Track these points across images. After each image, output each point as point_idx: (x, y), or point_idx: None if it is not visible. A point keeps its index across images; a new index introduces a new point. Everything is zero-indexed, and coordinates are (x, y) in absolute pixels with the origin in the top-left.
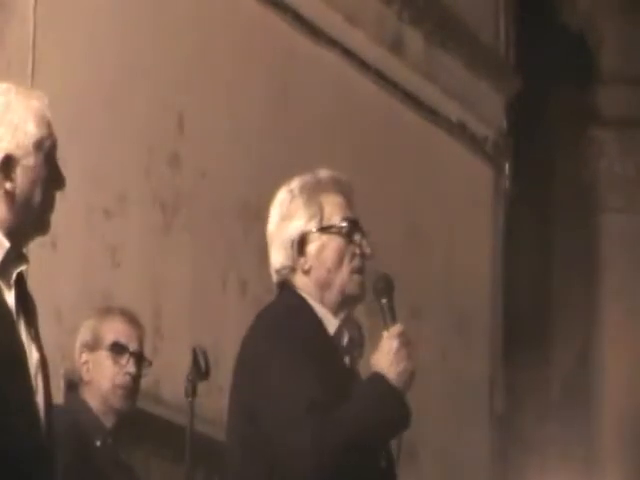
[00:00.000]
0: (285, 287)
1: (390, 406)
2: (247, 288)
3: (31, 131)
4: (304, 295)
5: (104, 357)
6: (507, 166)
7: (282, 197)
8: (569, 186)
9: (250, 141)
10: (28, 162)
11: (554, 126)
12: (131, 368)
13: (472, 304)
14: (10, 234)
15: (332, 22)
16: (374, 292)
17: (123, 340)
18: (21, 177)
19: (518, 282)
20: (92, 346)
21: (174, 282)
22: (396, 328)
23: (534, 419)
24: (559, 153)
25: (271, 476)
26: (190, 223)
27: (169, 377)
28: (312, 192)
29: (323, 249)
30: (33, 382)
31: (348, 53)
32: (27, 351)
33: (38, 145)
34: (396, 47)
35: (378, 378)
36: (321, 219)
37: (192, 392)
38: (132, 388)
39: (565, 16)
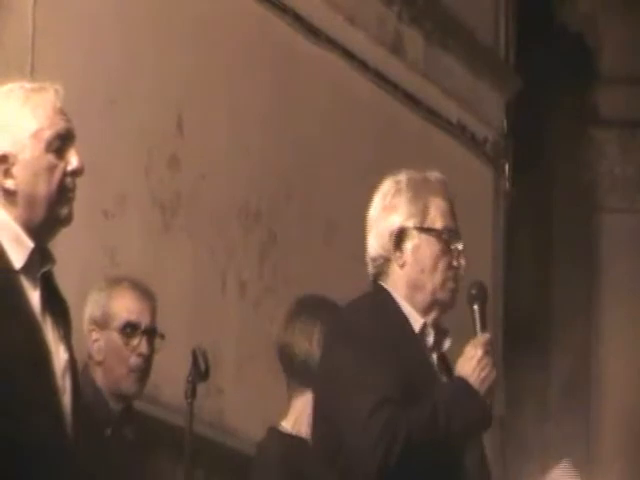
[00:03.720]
0: (375, 283)
1: (467, 408)
2: (247, 289)
3: (27, 124)
4: (392, 292)
5: (115, 338)
6: (507, 167)
7: (388, 187)
8: (569, 186)
9: (250, 142)
10: (25, 155)
11: (554, 126)
12: (144, 348)
13: None
14: (32, 232)
15: (332, 22)
16: (467, 298)
17: (134, 318)
18: (21, 172)
19: (518, 282)
20: (102, 324)
21: (173, 283)
22: (483, 336)
23: (534, 421)
24: (559, 153)
25: (341, 475)
26: (190, 224)
27: (168, 378)
28: (419, 190)
29: (419, 249)
30: (59, 382)
31: (348, 53)
32: (53, 351)
33: (36, 136)
34: (396, 48)
35: (458, 381)
36: (423, 219)
37: (192, 393)
38: (145, 369)
39: (565, 16)
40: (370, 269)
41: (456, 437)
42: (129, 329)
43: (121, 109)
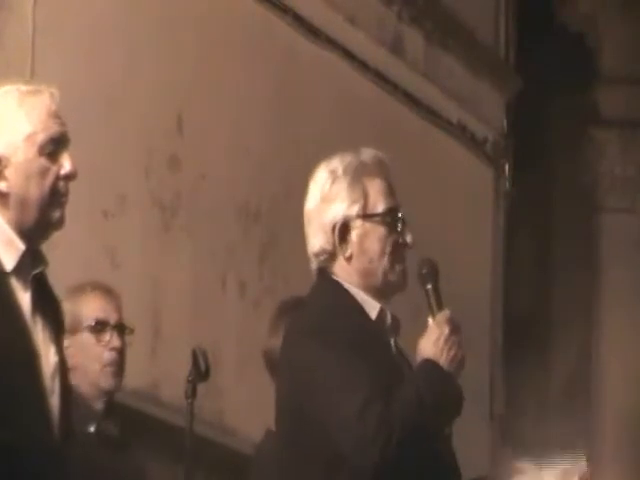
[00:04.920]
0: (323, 275)
1: (446, 393)
2: (246, 289)
3: (21, 127)
4: (342, 282)
5: (86, 338)
6: (507, 166)
7: (323, 176)
8: (569, 186)
9: (250, 142)
10: (18, 158)
11: (554, 126)
12: (116, 342)
13: (472, 304)
14: (24, 235)
15: (332, 22)
16: (418, 278)
17: (103, 316)
18: (14, 175)
19: (518, 282)
20: (72, 330)
21: (174, 283)
22: (444, 314)
23: (534, 420)
24: (559, 153)
25: (330, 474)
26: (189, 224)
27: (168, 378)
28: (355, 175)
29: (365, 238)
30: (47, 384)
31: (348, 53)
32: (43, 353)
33: (29, 140)
34: (396, 48)
35: (432, 365)
36: (365, 206)
37: (192, 393)
38: (120, 363)
39: (565, 16)
40: (314, 265)
41: (440, 423)
42: (99, 326)
43: (121, 109)
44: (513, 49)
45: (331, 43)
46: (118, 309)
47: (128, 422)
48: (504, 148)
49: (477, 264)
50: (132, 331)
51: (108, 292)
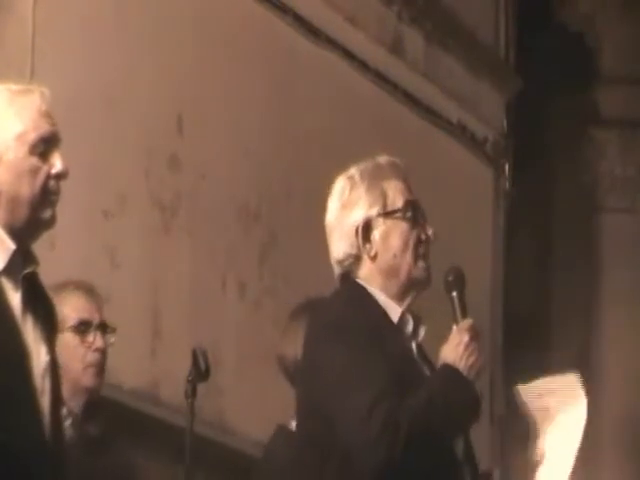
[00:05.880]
0: (346, 279)
1: (461, 397)
2: (246, 289)
3: (11, 126)
4: (366, 285)
5: (69, 338)
6: (507, 166)
7: (341, 185)
8: (569, 186)
9: (250, 142)
10: (9, 157)
11: (554, 126)
12: (99, 343)
13: (472, 304)
14: (14, 234)
15: (332, 22)
16: (445, 285)
17: (86, 316)
18: (5, 174)
19: (518, 282)
20: None
21: (173, 283)
22: (466, 322)
23: None
24: (559, 153)
25: (341, 473)
26: (189, 224)
27: (168, 378)
28: (373, 178)
29: (388, 235)
30: (38, 383)
31: (348, 53)
32: (34, 352)
33: (20, 139)
34: (396, 48)
35: (449, 369)
36: (384, 204)
37: (192, 393)
38: (102, 363)
39: (565, 16)
40: (337, 270)
41: (453, 427)
42: (83, 327)
43: (121, 109)
44: (513, 49)
45: (331, 43)
46: (100, 308)
47: (128, 422)
48: (504, 148)
49: (477, 264)
50: (114, 330)
51: (90, 291)
